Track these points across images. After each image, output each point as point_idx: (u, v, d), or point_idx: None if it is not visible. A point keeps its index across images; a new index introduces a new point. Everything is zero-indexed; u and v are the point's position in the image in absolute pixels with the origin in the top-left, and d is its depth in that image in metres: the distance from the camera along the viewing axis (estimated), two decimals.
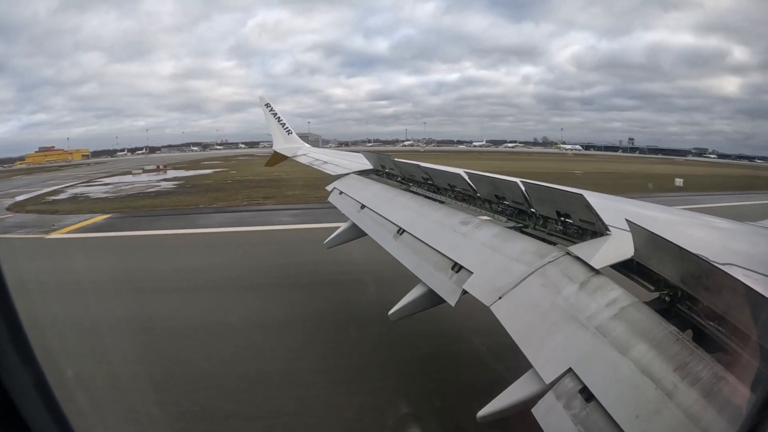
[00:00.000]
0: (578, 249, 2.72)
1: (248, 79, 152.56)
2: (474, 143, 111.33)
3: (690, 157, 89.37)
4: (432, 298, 3.37)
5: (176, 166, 46.46)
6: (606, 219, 2.83)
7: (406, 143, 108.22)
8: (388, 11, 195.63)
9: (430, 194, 5.17)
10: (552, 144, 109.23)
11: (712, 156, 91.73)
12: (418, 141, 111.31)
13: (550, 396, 1.95)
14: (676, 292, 2.17)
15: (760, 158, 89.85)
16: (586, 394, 1.82)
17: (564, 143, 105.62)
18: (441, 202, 4.85)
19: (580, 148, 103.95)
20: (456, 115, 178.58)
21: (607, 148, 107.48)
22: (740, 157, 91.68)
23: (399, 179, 6.12)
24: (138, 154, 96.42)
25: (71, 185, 30.22)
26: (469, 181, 4.35)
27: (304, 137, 14.11)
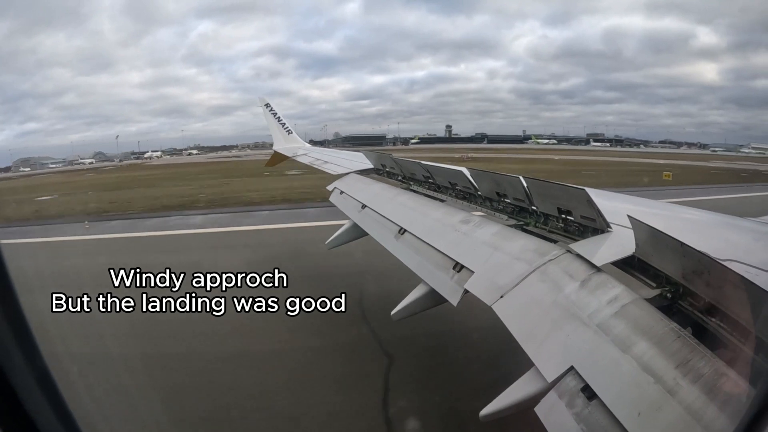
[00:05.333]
0: (579, 246, 2.72)
1: (217, 84, 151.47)
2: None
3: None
4: (434, 298, 3.38)
5: None
6: (607, 216, 2.83)
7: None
8: (316, 15, 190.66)
9: (431, 193, 5.17)
10: None
11: (598, 144, 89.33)
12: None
13: (552, 395, 1.95)
14: (678, 289, 2.16)
15: (661, 142, 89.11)
16: (588, 393, 1.83)
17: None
18: (442, 200, 4.85)
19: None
20: (444, 112, 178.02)
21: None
22: (639, 143, 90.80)
23: (399, 178, 6.12)
24: None
25: None
26: (470, 178, 4.34)
27: None
